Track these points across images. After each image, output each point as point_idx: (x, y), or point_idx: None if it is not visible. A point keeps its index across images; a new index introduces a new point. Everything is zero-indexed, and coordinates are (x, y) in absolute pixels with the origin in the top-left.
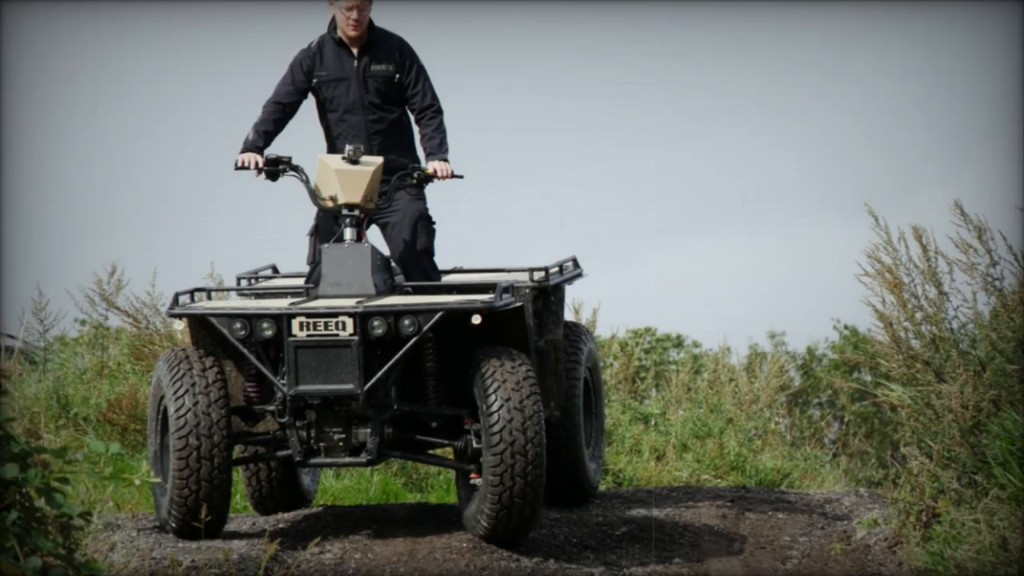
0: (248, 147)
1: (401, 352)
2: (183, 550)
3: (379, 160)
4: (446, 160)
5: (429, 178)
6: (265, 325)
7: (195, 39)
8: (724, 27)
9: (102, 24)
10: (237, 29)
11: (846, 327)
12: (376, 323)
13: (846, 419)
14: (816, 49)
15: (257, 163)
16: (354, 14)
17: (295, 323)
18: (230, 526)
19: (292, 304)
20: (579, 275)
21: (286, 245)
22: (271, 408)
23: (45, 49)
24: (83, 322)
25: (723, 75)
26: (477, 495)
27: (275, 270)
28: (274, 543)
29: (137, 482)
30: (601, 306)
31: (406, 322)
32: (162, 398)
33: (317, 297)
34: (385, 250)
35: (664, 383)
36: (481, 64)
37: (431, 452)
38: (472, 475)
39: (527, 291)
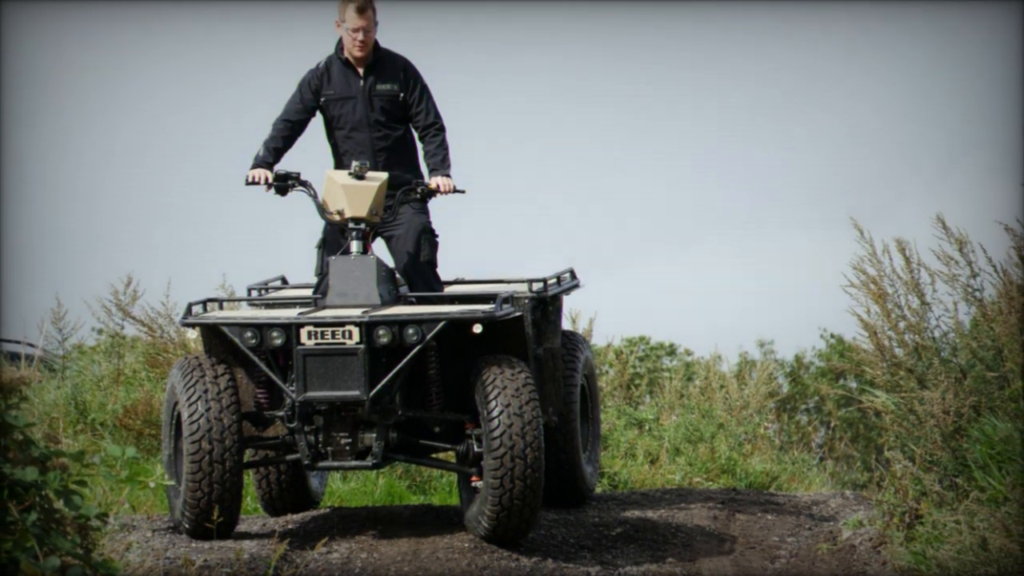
0: (258, 163)
1: (405, 360)
2: (196, 550)
3: (384, 176)
4: (448, 176)
5: (432, 193)
6: (275, 334)
7: (209, 58)
8: (715, 44)
9: (116, 40)
10: (249, 50)
11: (832, 336)
12: (381, 332)
13: (832, 424)
14: (804, 68)
15: (267, 178)
16: (360, 35)
17: (303, 332)
18: (241, 527)
19: (301, 314)
20: (576, 286)
21: (295, 257)
22: (280, 414)
23: (57, 63)
24: (100, 331)
25: (714, 91)
26: (478, 497)
27: (284, 281)
28: (283, 543)
29: (152, 485)
30: (597, 316)
31: (410, 331)
32: (176, 404)
33: (325, 307)
34: (390, 262)
35: (658, 390)
36: (481, 80)
37: (434, 456)
38: (473, 478)
39: (526, 301)
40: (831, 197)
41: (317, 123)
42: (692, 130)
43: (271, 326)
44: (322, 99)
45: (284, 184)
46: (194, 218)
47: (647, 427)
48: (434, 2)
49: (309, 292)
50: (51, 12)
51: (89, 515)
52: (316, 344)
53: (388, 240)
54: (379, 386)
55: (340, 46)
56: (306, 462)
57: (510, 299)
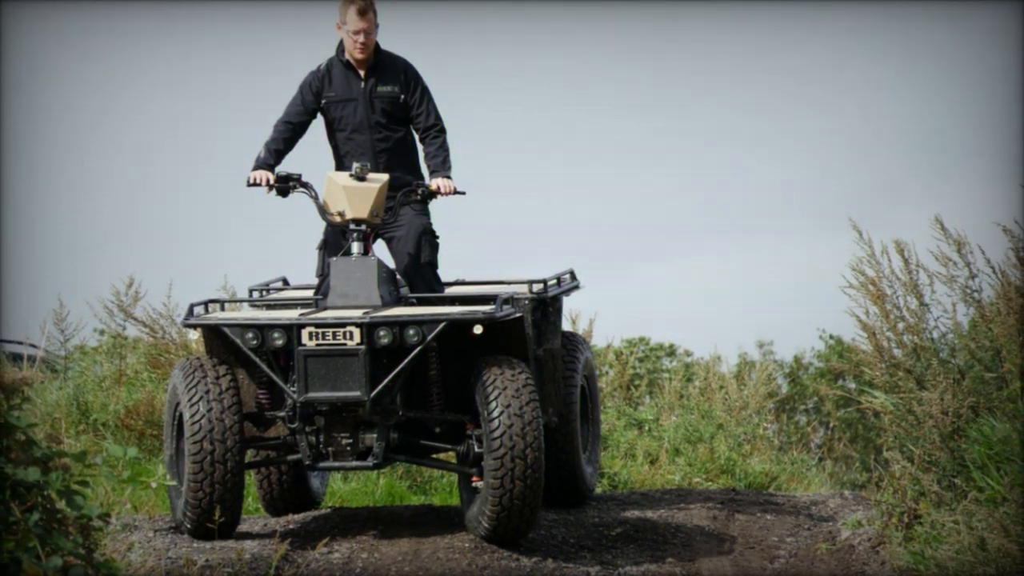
0: (260, 165)
1: (406, 361)
2: (198, 550)
3: (385, 177)
4: (449, 177)
5: (433, 194)
6: (276, 335)
7: (210, 60)
8: (713, 47)
9: (117, 41)
10: (250, 52)
11: (831, 337)
12: (382, 333)
13: (831, 425)
14: (803, 71)
15: (268, 180)
16: (361, 37)
17: (304, 333)
18: (242, 527)
19: (302, 315)
20: (576, 287)
21: (296, 258)
22: (282, 414)
23: (58, 64)
24: (102, 332)
25: (714, 94)
26: (479, 497)
27: (285, 282)
28: (285, 543)
29: (154, 485)
30: (597, 317)
31: (411, 332)
32: (178, 404)
33: (326, 308)
34: (391, 263)
35: (657, 390)
36: (482, 82)
37: (434, 456)
38: (474, 478)
39: (526, 302)
40: (830, 199)
41: (318, 125)
42: (691, 132)
43: (272, 327)
44: (323, 101)
45: (285, 186)
46: (196, 219)
47: (647, 428)
48: (434, 4)
49: (310, 293)
50: (52, 12)
51: (91, 515)
52: (317, 345)
53: (389, 241)
54: (380, 387)
55: (341, 48)
56: (307, 462)
57: (510, 300)
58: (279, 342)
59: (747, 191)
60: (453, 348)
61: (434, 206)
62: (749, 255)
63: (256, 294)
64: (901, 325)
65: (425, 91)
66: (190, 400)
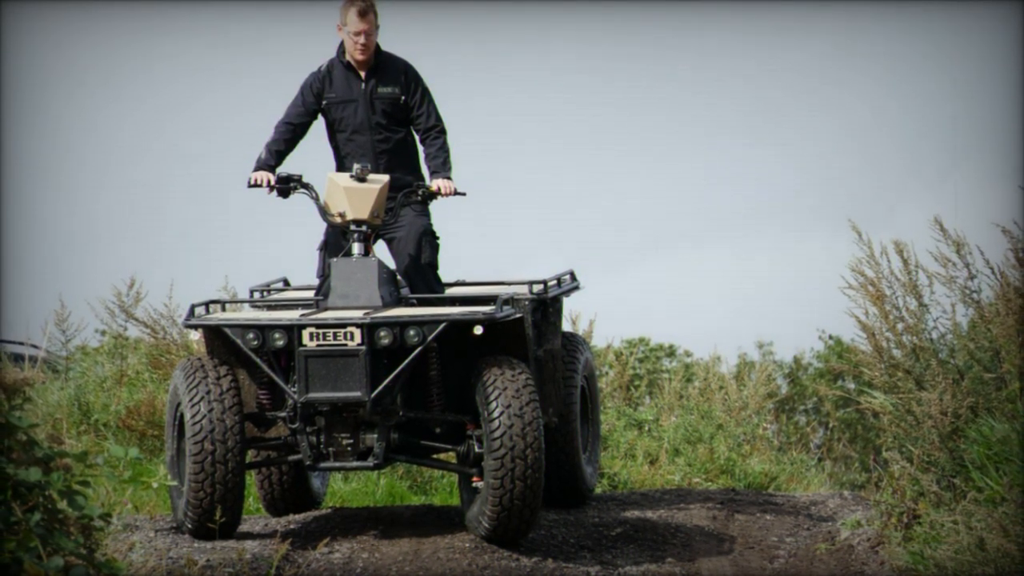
0: (261, 166)
1: (407, 361)
2: (199, 550)
3: (385, 178)
4: (449, 178)
5: (433, 195)
6: (277, 335)
7: (211, 60)
8: (714, 45)
9: (117, 40)
10: (251, 52)
11: (831, 337)
12: (383, 333)
13: (831, 425)
14: (803, 70)
15: (269, 181)
16: (361, 39)
17: (305, 334)
18: (243, 527)
19: (303, 315)
20: (576, 288)
21: (297, 259)
22: (282, 414)
23: (58, 63)
24: (103, 332)
25: (714, 94)
26: (479, 497)
27: (286, 283)
28: (285, 543)
29: (155, 485)
30: (597, 317)
31: (411, 332)
32: (179, 405)
33: (326, 309)
34: (391, 264)
35: (657, 391)
36: (482, 82)
37: (435, 456)
38: (474, 478)
39: (527, 303)
40: (830, 199)
41: (319, 126)
42: (691, 132)
43: (273, 327)
44: (324, 102)
45: (286, 186)
46: (197, 220)
47: (647, 428)
48: (435, 5)
49: (311, 294)
50: (51, 12)
51: (92, 515)
52: (318, 345)
53: (389, 242)
54: (380, 387)
55: (342, 49)
56: (308, 463)
57: (511, 301)
58: (280, 343)
59: (747, 191)
60: (453, 348)
61: (434, 207)
62: (749, 255)
63: (257, 295)
64: (900, 326)
65: (425, 92)
66: (191, 400)
